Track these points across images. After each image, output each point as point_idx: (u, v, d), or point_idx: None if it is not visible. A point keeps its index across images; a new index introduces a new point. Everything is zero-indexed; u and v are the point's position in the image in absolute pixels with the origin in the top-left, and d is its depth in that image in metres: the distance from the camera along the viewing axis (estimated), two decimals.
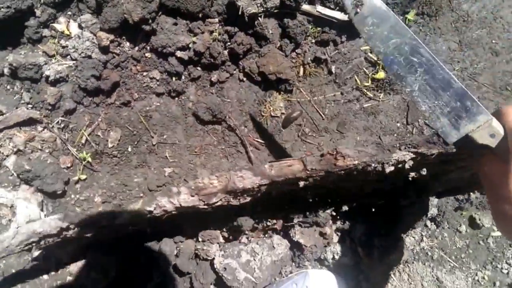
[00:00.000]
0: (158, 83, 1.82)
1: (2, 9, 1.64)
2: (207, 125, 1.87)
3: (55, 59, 1.77)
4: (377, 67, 1.81)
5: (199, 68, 1.82)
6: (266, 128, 1.87)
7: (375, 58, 1.80)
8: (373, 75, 1.82)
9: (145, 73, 1.81)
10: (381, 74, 1.80)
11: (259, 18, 1.70)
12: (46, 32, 1.77)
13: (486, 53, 1.79)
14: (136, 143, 1.84)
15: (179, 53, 1.76)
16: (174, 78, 1.81)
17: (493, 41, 1.78)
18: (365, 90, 1.84)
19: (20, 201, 1.75)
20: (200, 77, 1.84)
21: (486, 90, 1.81)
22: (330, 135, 1.88)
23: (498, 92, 1.80)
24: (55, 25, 1.76)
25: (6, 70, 1.74)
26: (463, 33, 1.79)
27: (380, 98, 1.84)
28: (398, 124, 1.86)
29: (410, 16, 1.76)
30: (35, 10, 1.73)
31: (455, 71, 1.81)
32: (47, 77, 1.75)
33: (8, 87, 1.77)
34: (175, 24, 1.74)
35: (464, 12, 1.76)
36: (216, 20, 1.74)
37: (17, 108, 1.76)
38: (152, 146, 1.85)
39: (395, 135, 1.87)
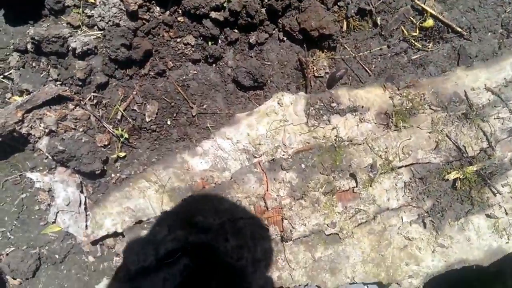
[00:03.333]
0: (193, 49, 1.70)
1: None
2: (249, 91, 1.76)
3: (81, 30, 1.64)
4: (425, 14, 1.70)
5: (236, 30, 1.70)
6: (310, 89, 1.77)
7: (422, 5, 1.69)
8: (421, 24, 1.71)
9: (178, 39, 1.69)
10: (429, 22, 1.69)
11: None
12: (68, 1, 1.63)
13: None
14: (175, 115, 1.72)
15: (213, 14, 1.63)
16: (210, 43, 1.69)
17: None
18: (413, 41, 1.73)
19: (58, 184, 1.64)
20: (238, 40, 1.72)
21: None
22: None
23: None
24: None
25: (29, 46, 1.61)
26: None
27: (429, 48, 1.74)
28: None
29: None
30: None
31: (506, 13, 1.71)
32: (74, 50, 1.62)
33: (34, 64, 1.63)
34: None
35: None
36: None
37: (44, 85, 1.63)
38: (192, 118, 1.73)
39: None
